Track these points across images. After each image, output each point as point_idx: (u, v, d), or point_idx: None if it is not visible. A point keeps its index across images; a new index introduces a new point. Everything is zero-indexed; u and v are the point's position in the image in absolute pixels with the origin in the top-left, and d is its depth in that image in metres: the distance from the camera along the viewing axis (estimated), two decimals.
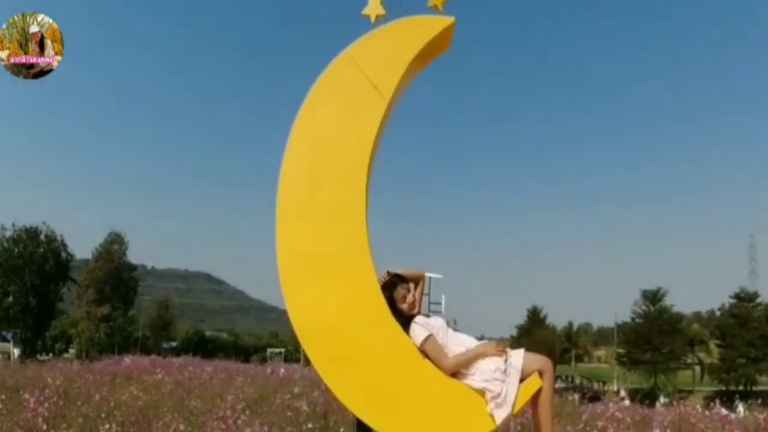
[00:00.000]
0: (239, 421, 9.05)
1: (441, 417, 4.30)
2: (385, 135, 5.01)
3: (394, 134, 5.29)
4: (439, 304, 5.28)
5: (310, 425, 9.60)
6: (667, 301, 75.34)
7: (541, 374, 4.33)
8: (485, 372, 4.31)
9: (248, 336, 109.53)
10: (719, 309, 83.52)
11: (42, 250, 59.17)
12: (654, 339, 70.38)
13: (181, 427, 8.77)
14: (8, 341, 55.13)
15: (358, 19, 4.92)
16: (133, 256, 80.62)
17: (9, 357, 43.43)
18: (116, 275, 69.59)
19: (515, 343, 65.63)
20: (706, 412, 13.71)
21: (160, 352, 56.39)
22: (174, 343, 79.31)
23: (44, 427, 8.40)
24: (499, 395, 4.21)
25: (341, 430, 9.14)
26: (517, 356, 4.37)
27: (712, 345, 78.57)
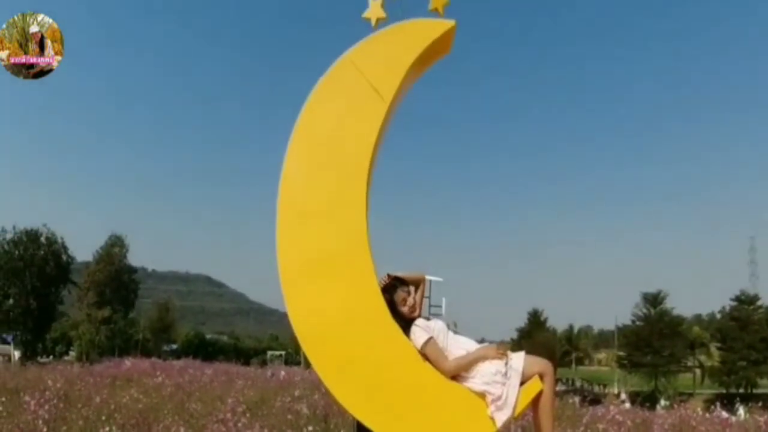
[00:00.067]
0: (239, 424, 9.05)
1: (441, 420, 4.30)
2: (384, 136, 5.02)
3: (393, 133, 5.29)
4: (440, 307, 5.28)
5: (310, 428, 9.60)
6: (668, 304, 75.40)
7: (541, 377, 4.34)
8: (486, 375, 4.31)
9: (248, 339, 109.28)
10: (720, 312, 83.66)
11: (42, 252, 59.14)
12: (654, 342, 70.33)
13: (182, 429, 8.78)
14: (9, 343, 55.20)
15: (358, 20, 4.93)
16: (134, 259, 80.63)
17: (9, 359, 43.52)
18: (117, 278, 69.70)
19: (516, 345, 65.66)
20: (707, 415, 13.72)
21: (160, 354, 56.28)
22: (174, 346, 79.14)
23: (44, 430, 8.41)
24: (499, 398, 4.21)
25: None
26: (518, 359, 4.38)
27: (713, 348, 78.54)
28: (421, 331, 4.44)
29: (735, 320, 72.41)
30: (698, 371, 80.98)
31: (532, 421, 4.80)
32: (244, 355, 75.71)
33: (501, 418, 4.18)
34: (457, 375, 4.39)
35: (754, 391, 68.55)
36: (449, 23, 4.85)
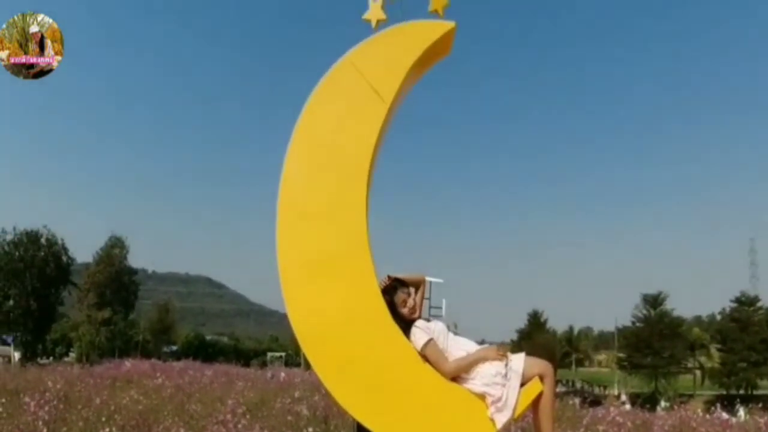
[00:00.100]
0: (239, 426, 9.06)
1: (441, 421, 4.30)
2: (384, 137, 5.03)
3: (393, 134, 5.29)
4: (440, 308, 5.28)
5: (310, 430, 9.60)
6: (668, 305, 75.46)
7: (541, 378, 4.34)
8: (486, 376, 4.31)
9: (249, 340, 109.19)
10: (720, 313, 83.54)
11: (43, 253, 59.26)
12: (655, 343, 70.34)
13: (182, 431, 8.78)
14: (9, 344, 55.21)
15: (358, 20, 4.94)
16: (134, 260, 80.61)
17: (9, 360, 43.49)
18: (117, 279, 69.76)
19: (516, 347, 65.70)
20: (707, 417, 13.70)
21: (160, 356, 56.30)
22: (174, 347, 79.14)
23: (44, 431, 8.42)
24: (499, 399, 4.21)
25: None
26: (518, 360, 4.38)
27: (713, 349, 78.50)
28: (421, 332, 4.45)
29: (735, 321, 72.41)
30: (698, 372, 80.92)
31: (532, 423, 4.79)
32: (244, 356, 75.66)
33: (501, 419, 4.18)
34: (457, 376, 4.39)
35: (755, 392, 68.49)
36: (449, 25, 4.85)
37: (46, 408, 9.33)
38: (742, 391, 67.94)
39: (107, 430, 8.72)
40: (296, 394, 13.81)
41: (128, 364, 26.56)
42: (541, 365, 4.42)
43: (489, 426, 4.21)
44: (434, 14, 4.88)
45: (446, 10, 4.88)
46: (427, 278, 4.98)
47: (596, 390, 73.96)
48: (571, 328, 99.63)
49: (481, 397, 4.29)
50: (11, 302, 57.29)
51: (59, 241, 60.98)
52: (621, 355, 78.63)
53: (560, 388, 62.79)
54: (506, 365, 4.33)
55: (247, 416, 10.26)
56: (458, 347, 4.51)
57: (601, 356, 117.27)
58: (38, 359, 50.46)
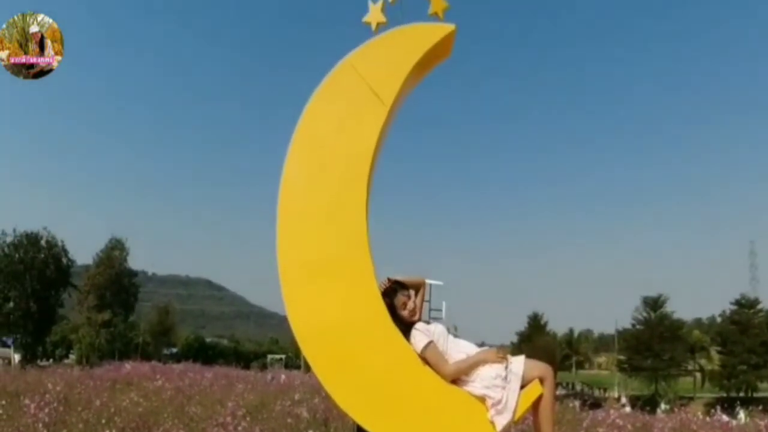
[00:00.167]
0: (239, 428, 9.06)
1: (441, 423, 4.30)
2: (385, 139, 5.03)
3: (392, 134, 5.29)
4: (440, 310, 5.28)
5: None
6: (668, 308, 75.48)
7: (541, 381, 4.34)
8: (486, 379, 4.31)
9: (249, 342, 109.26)
10: (720, 315, 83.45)
11: (43, 255, 59.23)
12: (655, 345, 70.32)
13: None
14: (9, 346, 55.18)
15: (358, 21, 4.94)
16: (134, 263, 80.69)
17: (9, 362, 43.43)
18: (117, 281, 69.72)
19: (516, 349, 65.71)
20: (707, 419, 13.70)
21: (160, 358, 56.30)
22: (174, 350, 79.18)
23: None
24: (499, 402, 4.21)
25: None
26: (518, 363, 4.38)
27: (713, 351, 78.48)
28: (421, 334, 4.45)
29: (735, 324, 72.41)
30: (698, 375, 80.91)
31: (532, 425, 4.79)
32: (244, 358, 75.62)
33: (501, 422, 4.18)
34: (457, 379, 4.38)
35: (755, 394, 68.58)
36: (449, 27, 4.86)
37: (46, 410, 9.32)
38: (742, 394, 67.97)
39: None
40: (296, 397, 13.81)
41: (128, 366, 26.53)
42: (541, 368, 4.42)
43: (489, 428, 4.20)
44: (434, 17, 4.88)
45: (446, 13, 4.89)
46: (427, 281, 4.98)
47: (596, 392, 74.14)
48: (571, 331, 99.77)
49: (481, 399, 4.29)
50: (11, 304, 57.27)
51: (59, 243, 61.00)
52: (621, 357, 78.60)
53: (560, 391, 62.76)
54: (506, 368, 4.33)
55: (247, 419, 10.25)
56: (458, 350, 4.51)
57: (601, 359, 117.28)
58: (38, 361, 50.41)
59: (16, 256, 58.03)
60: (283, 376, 25.99)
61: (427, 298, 4.96)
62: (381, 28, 4.89)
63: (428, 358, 4.38)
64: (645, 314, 75.45)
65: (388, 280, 4.68)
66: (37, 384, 14.93)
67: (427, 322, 4.65)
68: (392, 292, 4.60)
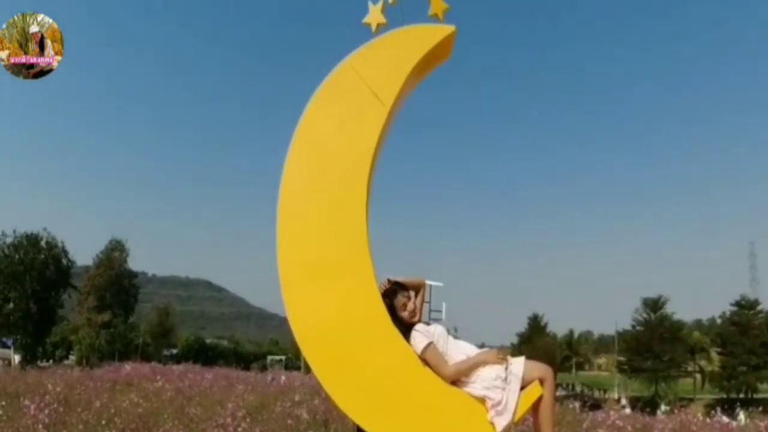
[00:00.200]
0: (239, 429, 9.06)
1: (441, 425, 4.30)
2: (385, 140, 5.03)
3: (393, 134, 5.30)
4: (440, 311, 5.28)
5: None
6: (668, 309, 75.45)
7: (541, 382, 4.34)
8: (486, 380, 4.31)
9: (249, 343, 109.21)
10: (720, 317, 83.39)
11: (43, 256, 59.13)
12: (655, 347, 70.28)
13: None
14: (9, 347, 55.18)
15: (358, 21, 4.94)
16: (134, 264, 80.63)
17: (9, 363, 43.42)
18: (117, 282, 69.61)
19: (516, 350, 65.67)
20: (707, 420, 13.71)
21: (160, 359, 56.30)
22: (174, 351, 79.16)
23: None
24: (499, 403, 4.21)
25: None
26: (518, 364, 4.38)
27: (713, 353, 78.47)
28: (421, 336, 4.45)
29: (735, 325, 72.38)
30: (698, 376, 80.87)
31: (532, 426, 4.79)
32: (244, 359, 75.57)
33: (501, 423, 4.18)
34: (457, 380, 4.38)
35: (755, 395, 68.57)
36: (449, 29, 4.86)
37: (46, 411, 9.32)
38: (742, 395, 67.96)
39: None
40: (296, 398, 13.80)
41: (128, 367, 26.52)
42: (541, 369, 4.42)
43: (489, 429, 4.20)
44: (434, 18, 4.89)
45: (446, 14, 4.89)
46: (427, 282, 4.98)
47: (596, 394, 74.12)
48: (571, 332, 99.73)
49: (481, 400, 4.29)
50: (11, 305, 57.17)
51: (59, 244, 60.89)
52: (621, 358, 78.54)
53: (560, 392, 62.75)
54: (506, 369, 4.33)
55: (247, 420, 10.25)
56: (458, 351, 4.51)
57: (602, 360, 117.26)
58: (38, 362, 50.34)
59: (16, 257, 57.94)
60: (283, 377, 25.98)
61: (427, 299, 4.96)
62: (381, 29, 4.90)
63: (428, 359, 4.38)
64: (645, 315, 75.45)
65: (388, 281, 4.68)
66: (37, 385, 14.93)
67: (427, 323, 4.65)
68: (392, 293, 4.60)
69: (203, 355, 70.94)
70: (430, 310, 5.10)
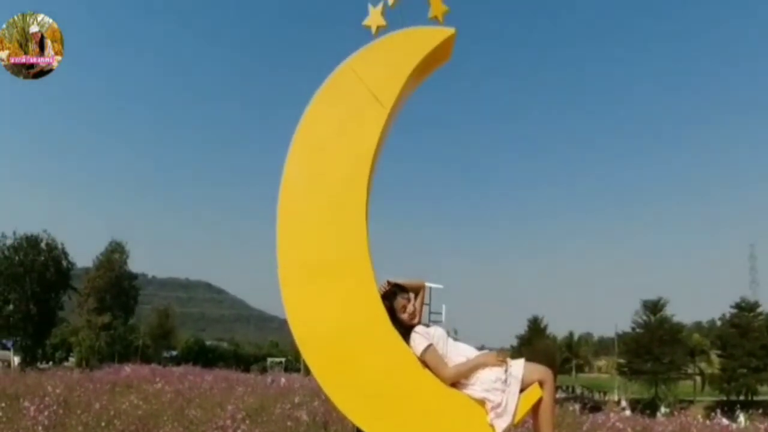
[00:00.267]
0: (239, 431, 9.04)
1: (441, 427, 4.30)
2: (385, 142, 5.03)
3: (393, 134, 5.30)
4: (440, 314, 5.29)
5: None
6: (668, 311, 75.29)
7: (541, 384, 4.34)
8: (485, 382, 4.31)
9: (248, 345, 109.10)
10: (720, 319, 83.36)
11: (43, 258, 59.08)
12: (655, 349, 70.20)
13: None
14: (8, 349, 55.14)
15: (358, 21, 4.95)
16: (134, 265, 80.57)
17: (9, 365, 43.43)
18: (117, 284, 69.56)
19: (516, 353, 65.53)
20: (707, 423, 13.71)
21: (160, 361, 56.30)
22: (174, 352, 79.14)
23: None
24: (499, 405, 4.20)
25: None
26: (518, 366, 4.37)
27: (713, 355, 78.41)
28: (420, 338, 4.44)
29: (735, 327, 72.27)
30: (698, 378, 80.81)
31: (532, 429, 4.79)
32: (244, 361, 75.50)
33: (501, 425, 4.18)
34: (456, 382, 4.38)
35: (755, 398, 68.44)
36: (449, 31, 4.87)
37: (46, 413, 9.32)
38: (742, 397, 67.82)
39: None
40: (296, 400, 13.80)
41: (128, 369, 26.55)
42: (540, 371, 4.41)
43: (489, 431, 4.20)
44: (434, 20, 4.89)
45: (446, 16, 4.89)
46: (427, 284, 4.98)
47: (596, 396, 73.97)
48: (571, 334, 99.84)
49: (481, 402, 4.28)
50: (11, 307, 57.11)
51: (59, 246, 60.81)
52: (621, 360, 78.43)
53: (560, 394, 62.71)
54: (506, 371, 4.33)
55: (247, 422, 10.24)
56: (458, 353, 4.50)
57: (601, 362, 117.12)
58: (38, 364, 50.30)
59: (16, 258, 57.89)
60: (282, 379, 25.97)
61: (426, 301, 4.96)
62: (381, 31, 4.90)
63: (428, 361, 4.38)
64: (645, 317, 75.34)
65: (388, 282, 4.67)
66: (36, 386, 14.94)
67: (427, 325, 4.64)
68: (392, 295, 4.60)
69: (203, 357, 70.89)
70: (430, 312, 5.11)
